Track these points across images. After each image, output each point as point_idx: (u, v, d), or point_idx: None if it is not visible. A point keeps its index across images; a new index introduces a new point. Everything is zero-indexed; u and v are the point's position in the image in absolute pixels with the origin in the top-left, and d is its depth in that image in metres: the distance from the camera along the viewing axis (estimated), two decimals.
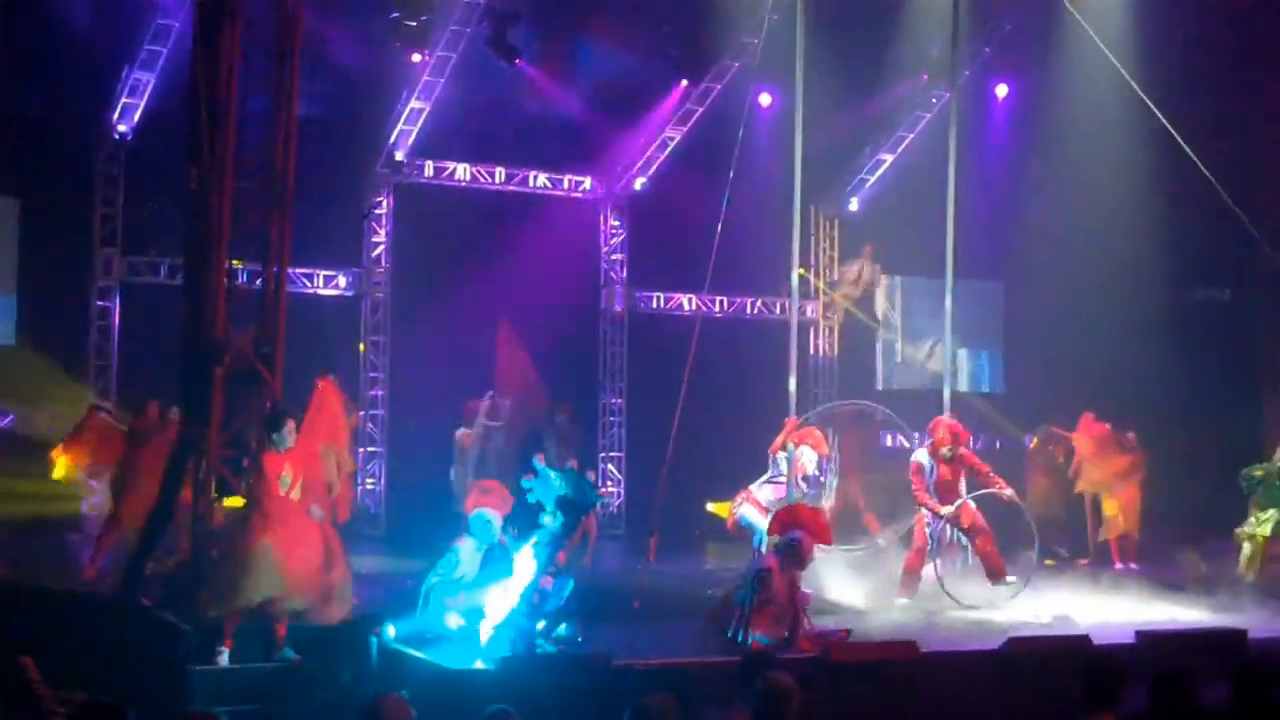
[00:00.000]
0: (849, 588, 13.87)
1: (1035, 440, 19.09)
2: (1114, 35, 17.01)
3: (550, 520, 11.54)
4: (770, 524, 11.26)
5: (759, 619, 10.52)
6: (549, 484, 12.21)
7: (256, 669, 10.63)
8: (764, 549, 14.25)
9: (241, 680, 10.49)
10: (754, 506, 14.81)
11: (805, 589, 11.07)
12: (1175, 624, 12.14)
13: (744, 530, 14.72)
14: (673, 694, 6.93)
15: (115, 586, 12.35)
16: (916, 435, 15.72)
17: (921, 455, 14.23)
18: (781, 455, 14.85)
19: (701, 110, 20.36)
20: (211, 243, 12.20)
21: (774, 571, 10.72)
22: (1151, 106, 15.15)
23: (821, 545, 11.52)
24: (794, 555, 10.80)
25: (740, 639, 10.51)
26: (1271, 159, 18.42)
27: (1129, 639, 10.96)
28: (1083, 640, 10.71)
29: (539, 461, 12.70)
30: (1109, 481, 17.66)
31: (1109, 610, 13.31)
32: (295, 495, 10.90)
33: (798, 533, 10.94)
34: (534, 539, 11.42)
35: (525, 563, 11.22)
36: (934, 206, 16.05)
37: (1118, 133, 18.53)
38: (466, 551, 11.50)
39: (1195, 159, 15.05)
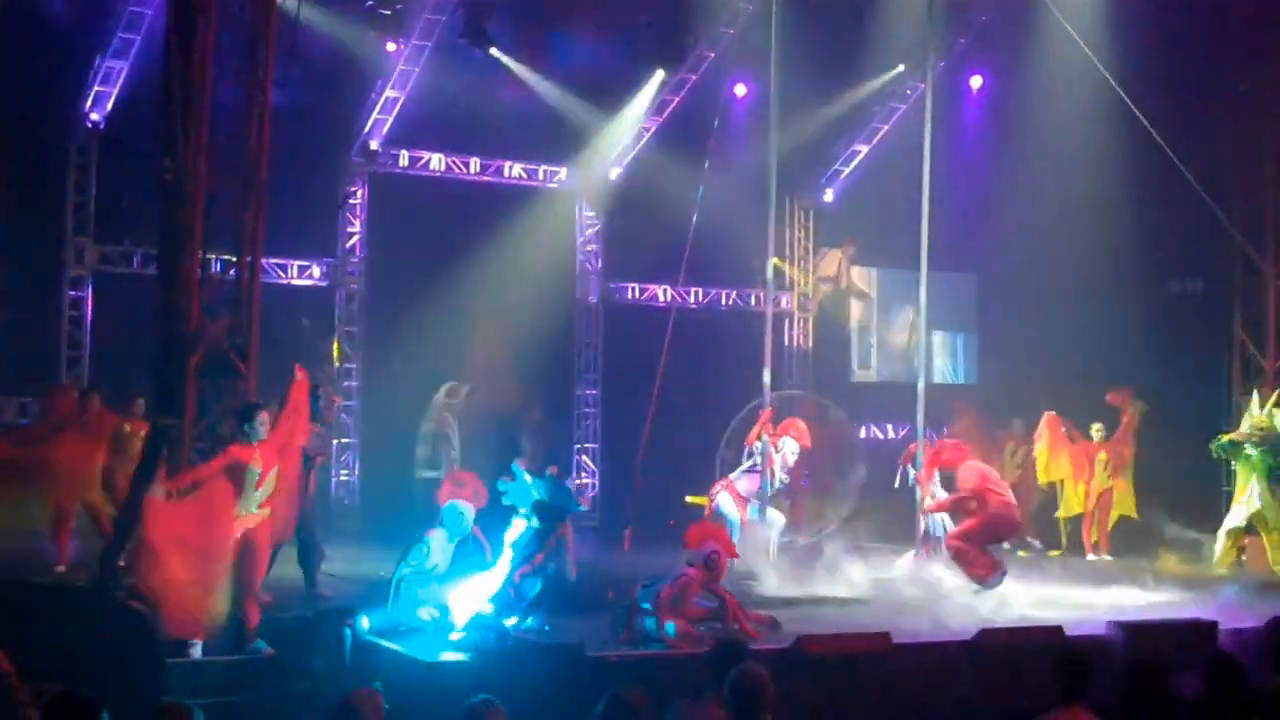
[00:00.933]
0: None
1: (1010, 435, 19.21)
2: (1088, 27, 17.06)
3: (528, 524, 11.56)
4: (686, 537, 11.36)
5: (670, 617, 10.62)
6: (525, 489, 12.22)
7: (229, 661, 10.60)
8: (737, 538, 14.35)
9: (214, 673, 10.46)
10: (732, 496, 14.90)
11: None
12: (1147, 615, 12.19)
13: (720, 519, 14.79)
14: (644, 685, 6.94)
15: (88, 579, 12.30)
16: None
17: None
18: (757, 446, 14.91)
19: (677, 101, 20.35)
20: (185, 232, 12.15)
21: (693, 581, 10.88)
22: (1125, 99, 15.22)
23: (731, 558, 11.77)
24: (713, 567, 10.99)
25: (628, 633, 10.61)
26: (1243, 151, 18.48)
27: (1101, 630, 11.01)
28: (1055, 631, 10.77)
29: (519, 466, 12.71)
30: (1068, 474, 17.77)
31: (1081, 601, 13.37)
32: (267, 488, 10.86)
33: (715, 546, 11.15)
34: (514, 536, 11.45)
35: (503, 560, 11.27)
36: (909, 198, 16.08)
37: (1091, 124, 18.57)
38: (438, 543, 11.48)
39: (1169, 151, 15.13)
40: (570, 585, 12.06)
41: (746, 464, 15.14)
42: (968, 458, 14.35)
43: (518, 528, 11.68)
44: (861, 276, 22.99)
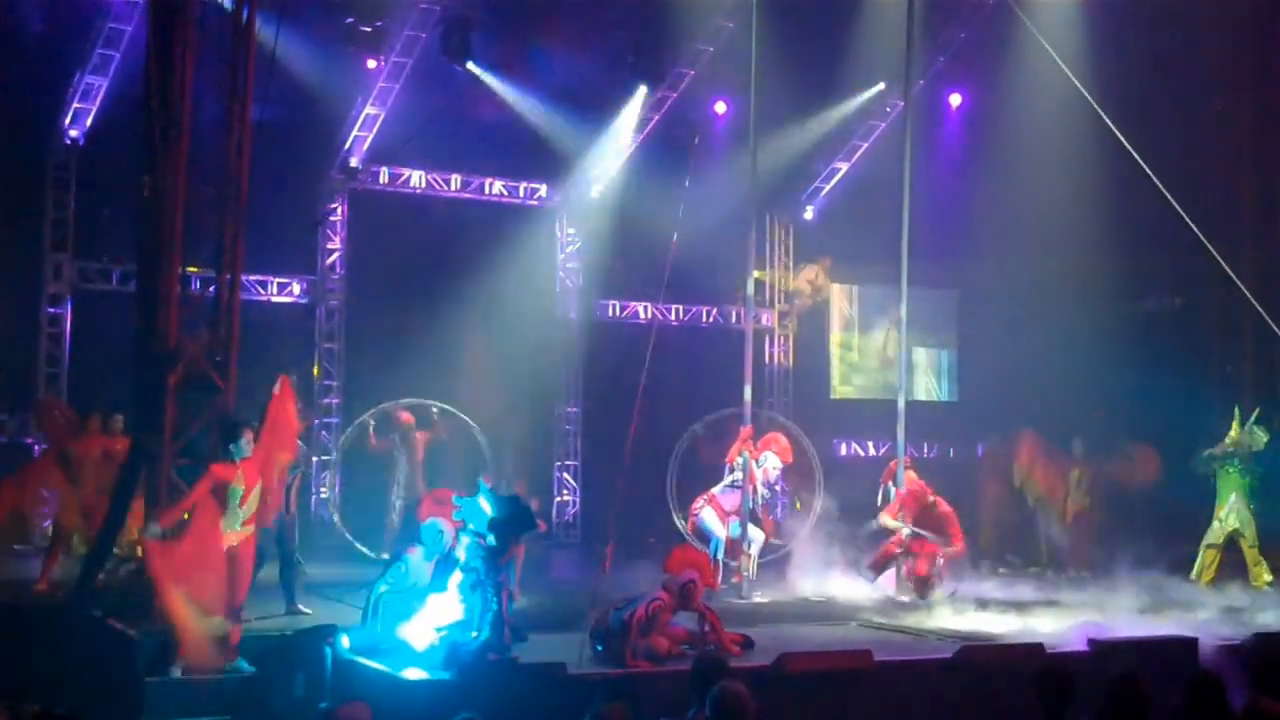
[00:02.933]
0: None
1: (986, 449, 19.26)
2: (1066, 45, 17.11)
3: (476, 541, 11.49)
4: (667, 561, 11.34)
5: (644, 638, 10.60)
6: (478, 508, 12.15)
7: (210, 680, 10.56)
8: (719, 556, 14.35)
9: (195, 691, 10.43)
10: (715, 511, 14.91)
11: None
12: (1127, 632, 12.20)
13: (702, 535, 14.80)
14: (626, 703, 6.94)
15: (67, 597, 12.24)
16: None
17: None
18: (738, 462, 14.93)
19: (657, 118, 20.38)
20: (164, 249, 12.13)
21: (665, 606, 10.84)
22: (1102, 115, 15.25)
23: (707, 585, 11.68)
24: (686, 596, 10.94)
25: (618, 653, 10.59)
26: (1219, 166, 18.60)
27: (1082, 647, 11.02)
28: (1036, 649, 10.78)
29: (485, 482, 12.69)
30: (1045, 494, 17.86)
31: (1061, 618, 13.38)
32: (250, 506, 10.83)
33: (694, 574, 11.07)
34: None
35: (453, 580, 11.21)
36: (888, 215, 16.12)
37: (1069, 141, 18.65)
38: (416, 561, 11.44)
39: (1145, 167, 15.17)
40: (552, 603, 12.03)
41: (728, 480, 15.15)
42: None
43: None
44: (842, 294, 23.02)
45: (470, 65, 18.78)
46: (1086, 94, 15.17)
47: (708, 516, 14.94)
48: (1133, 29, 18.75)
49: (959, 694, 10.28)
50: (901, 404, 15.18)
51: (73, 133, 17.70)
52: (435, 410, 17.92)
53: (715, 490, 15.15)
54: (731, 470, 15.11)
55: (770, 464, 15.25)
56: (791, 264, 22.85)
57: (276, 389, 11.51)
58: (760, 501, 15.33)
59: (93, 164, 17.63)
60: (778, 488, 17.11)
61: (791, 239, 22.81)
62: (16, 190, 17.61)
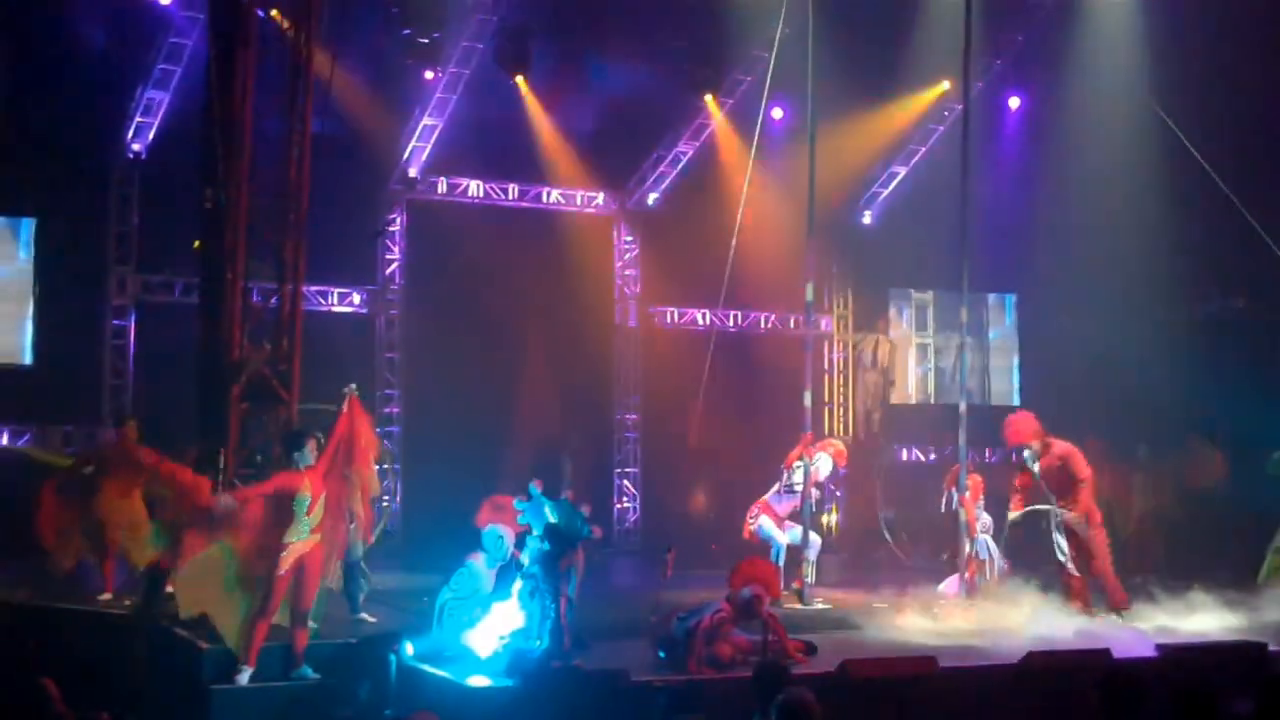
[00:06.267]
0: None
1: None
2: (1126, 42, 16.99)
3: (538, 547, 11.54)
4: (732, 575, 11.34)
5: (705, 649, 10.60)
6: (541, 510, 12.22)
7: (275, 688, 10.63)
8: (780, 561, 14.32)
9: (260, 699, 10.50)
10: (771, 519, 14.86)
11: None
12: (1196, 637, 12.07)
13: (763, 542, 14.76)
14: (702, 715, 6.93)
15: (134, 606, 12.37)
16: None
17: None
18: (797, 466, 14.88)
19: (714, 124, 20.38)
20: (226, 261, 12.26)
21: (729, 618, 10.84)
22: (1163, 115, 15.14)
23: (773, 599, 11.69)
24: (749, 610, 10.92)
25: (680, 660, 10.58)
26: None
27: (1149, 652, 10.90)
28: (1102, 654, 10.66)
29: (535, 487, 12.73)
30: (1110, 499, 17.64)
31: (1128, 623, 13.25)
32: (317, 515, 10.89)
33: (758, 589, 11.05)
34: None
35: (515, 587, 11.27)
36: (947, 219, 16.03)
37: (1130, 141, 18.49)
38: (479, 567, 11.49)
39: (1207, 167, 15.04)
40: (613, 610, 12.03)
41: (780, 485, 15.09)
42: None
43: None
44: (904, 340, 22.91)
45: (519, 80, 18.87)
46: (1154, 105, 14.99)
47: (766, 524, 14.89)
48: (1193, 27, 18.52)
49: (1024, 700, 10.19)
50: (963, 408, 15.05)
51: (135, 147, 17.90)
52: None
53: (767, 497, 15.09)
54: (789, 474, 15.04)
55: (822, 464, 15.18)
56: (850, 269, 22.72)
57: (345, 407, 11.54)
58: (813, 503, 15.25)
59: (155, 178, 17.83)
60: (831, 488, 17.01)
61: (850, 244, 22.67)
62: (81, 205, 17.83)
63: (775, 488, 15.09)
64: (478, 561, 11.52)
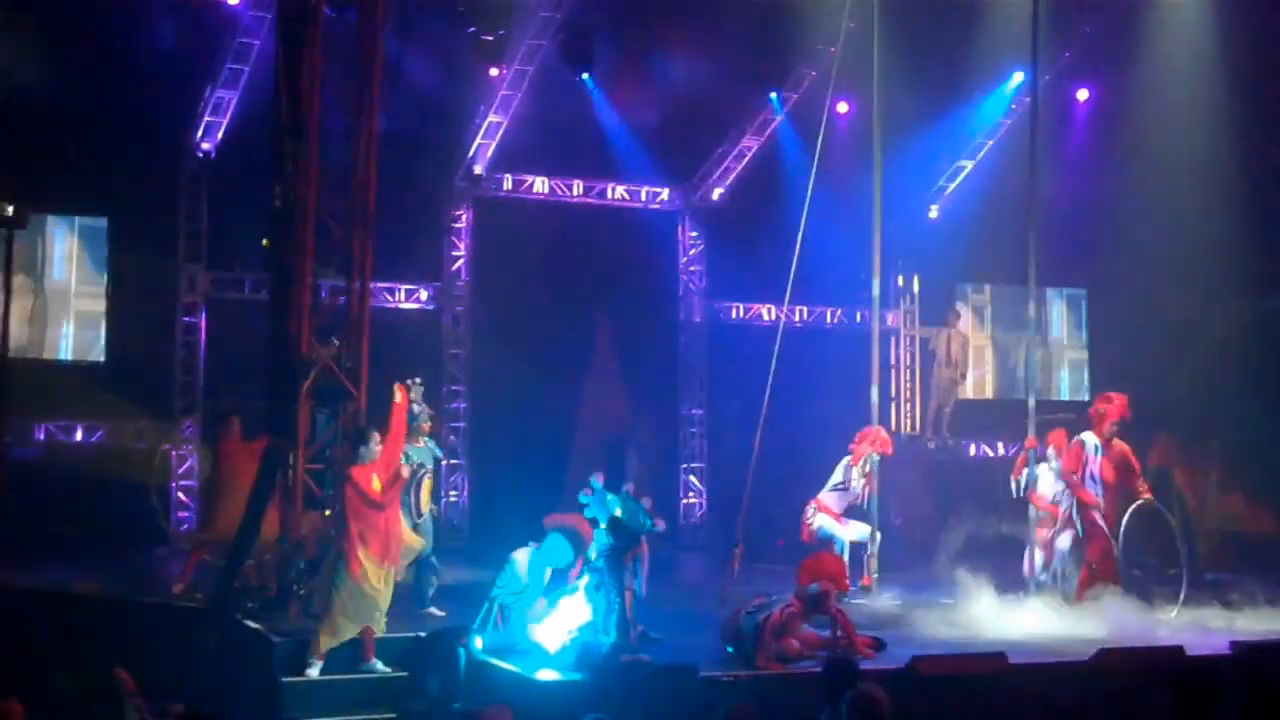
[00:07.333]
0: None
1: None
2: (1197, 32, 16.78)
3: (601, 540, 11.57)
4: (800, 571, 11.32)
5: (774, 644, 10.59)
6: (604, 503, 12.26)
7: (345, 681, 10.72)
8: (844, 554, 14.26)
9: (331, 692, 10.59)
10: (829, 516, 14.80)
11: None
12: (1270, 634, 11.92)
13: (823, 541, 14.70)
14: (756, 704, 6.92)
15: (206, 599, 12.51)
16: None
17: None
18: (846, 461, 14.85)
19: (779, 119, 20.33)
20: (295, 258, 12.36)
21: (797, 613, 10.83)
22: (1234, 109, 14.94)
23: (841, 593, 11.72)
24: (817, 605, 10.91)
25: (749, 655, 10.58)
26: None
27: (1223, 650, 10.77)
28: (1176, 651, 10.53)
29: (597, 481, 12.75)
30: (1183, 495, 17.47)
31: (1202, 620, 13.10)
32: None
33: (826, 584, 11.05)
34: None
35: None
36: (1015, 213, 15.90)
37: (1197, 134, 18.29)
38: (522, 563, 11.51)
39: None
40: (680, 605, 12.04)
41: (833, 483, 15.02)
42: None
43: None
44: (974, 331, 22.74)
45: (584, 76, 18.91)
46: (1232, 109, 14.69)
47: (825, 522, 14.82)
48: (1265, 15, 18.27)
49: (1096, 697, 10.09)
50: (1031, 404, 14.94)
51: (205, 146, 18.06)
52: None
53: (821, 495, 15.02)
54: (846, 471, 14.96)
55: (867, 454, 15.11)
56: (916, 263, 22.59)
57: (398, 398, 11.62)
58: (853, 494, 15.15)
59: (224, 176, 17.98)
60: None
61: (917, 239, 22.54)
62: (151, 204, 18.01)
63: (828, 485, 15.04)
64: (520, 556, 11.55)
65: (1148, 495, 13.91)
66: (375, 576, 10.75)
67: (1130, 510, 13.87)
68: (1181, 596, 13.68)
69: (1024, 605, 13.59)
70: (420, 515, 12.81)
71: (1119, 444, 14.08)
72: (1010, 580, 14.31)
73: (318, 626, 10.80)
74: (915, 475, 20.02)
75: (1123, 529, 13.78)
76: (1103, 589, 13.34)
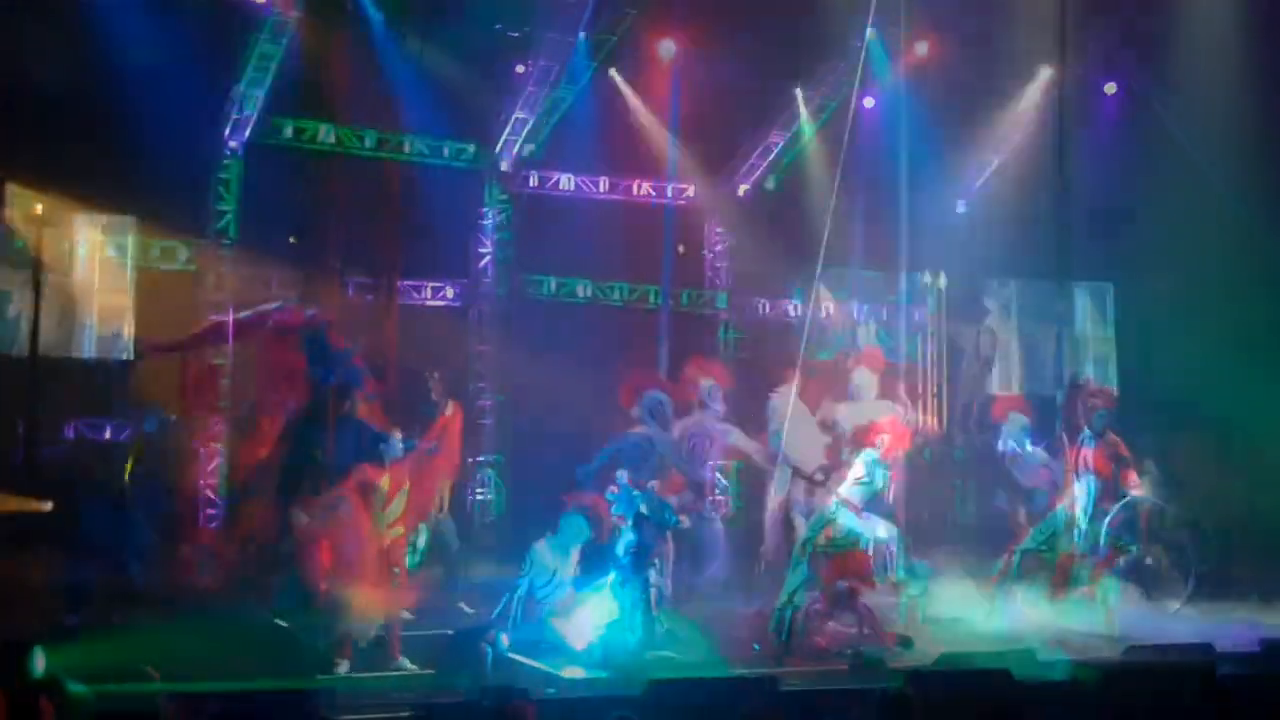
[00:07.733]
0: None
1: None
2: (1227, 25, 16.67)
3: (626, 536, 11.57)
4: (826, 570, 11.30)
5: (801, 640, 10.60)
6: (631, 500, 12.24)
7: (373, 678, 10.74)
8: (870, 550, 14.20)
9: (358, 690, 10.60)
10: (853, 512, 14.73)
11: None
12: None
13: (850, 537, 14.63)
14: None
15: (236, 596, 12.57)
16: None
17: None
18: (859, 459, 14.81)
19: (807, 114, 20.29)
20: (325, 256, 12.41)
21: (823, 611, 10.84)
22: (1265, 102, 14.83)
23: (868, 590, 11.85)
24: (844, 602, 10.90)
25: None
26: None
27: (1254, 647, 10.70)
28: (1205, 649, 10.47)
29: (623, 477, 12.77)
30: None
31: (1233, 617, 13.05)
32: (396, 508, 10.99)
33: (853, 581, 11.04)
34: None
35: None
36: (1043, 207, 15.83)
37: (1229, 127, 18.19)
38: (543, 553, 11.51)
39: None
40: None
41: (853, 479, 14.95)
42: None
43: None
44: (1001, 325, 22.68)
45: (611, 72, 18.89)
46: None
47: (848, 520, 14.75)
48: None
49: (1125, 695, 10.02)
50: (1060, 400, 14.90)
51: (232, 143, 18.07)
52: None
53: (841, 491, 14.97)
54: (862, 462, 14.91)
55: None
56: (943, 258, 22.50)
57: (449, 411, 11.63)
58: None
59: (251, 173, 17.98)
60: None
61: (944, 233, 22.43)
62: (179, 201, 18.03)
63: (849, 480, 14.98)
64: (540, 546, 11.55)
65: (1138, 489, 13.88)
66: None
67: (1123, 502, 13.88)
68: (1187, 591, 13.63)
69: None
70: (442, 513, 12.82)
71: (1111, 435, 14.08)
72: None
73: (340, 624, 10.81)
74: (942, 470, 19.93)
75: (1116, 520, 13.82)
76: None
